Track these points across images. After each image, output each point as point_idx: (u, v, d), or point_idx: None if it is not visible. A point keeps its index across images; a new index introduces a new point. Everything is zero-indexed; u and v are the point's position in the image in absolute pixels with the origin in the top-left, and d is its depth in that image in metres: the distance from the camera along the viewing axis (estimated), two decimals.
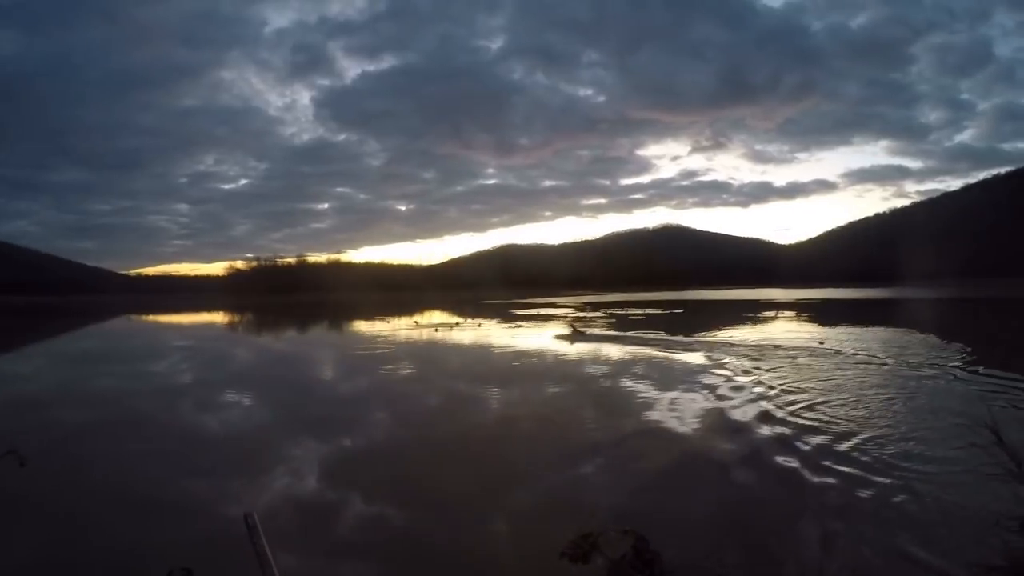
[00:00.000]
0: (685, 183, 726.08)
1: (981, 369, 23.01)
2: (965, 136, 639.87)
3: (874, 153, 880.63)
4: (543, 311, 77.26)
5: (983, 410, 8.16)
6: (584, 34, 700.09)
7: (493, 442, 14.41)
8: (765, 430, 14.28)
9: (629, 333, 41.23)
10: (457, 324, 56.14)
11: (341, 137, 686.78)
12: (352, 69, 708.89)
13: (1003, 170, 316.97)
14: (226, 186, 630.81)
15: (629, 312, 70.61)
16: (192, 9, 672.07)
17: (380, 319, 65.89)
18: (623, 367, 25.59)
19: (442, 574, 8.05)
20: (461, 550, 8.62)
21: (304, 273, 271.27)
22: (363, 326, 56.67)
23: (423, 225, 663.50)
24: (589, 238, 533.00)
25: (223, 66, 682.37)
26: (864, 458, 11.82)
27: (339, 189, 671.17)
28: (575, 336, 39.37)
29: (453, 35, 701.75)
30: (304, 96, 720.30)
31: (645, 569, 2.68)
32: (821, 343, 32.53)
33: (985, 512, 8.50)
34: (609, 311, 73.90)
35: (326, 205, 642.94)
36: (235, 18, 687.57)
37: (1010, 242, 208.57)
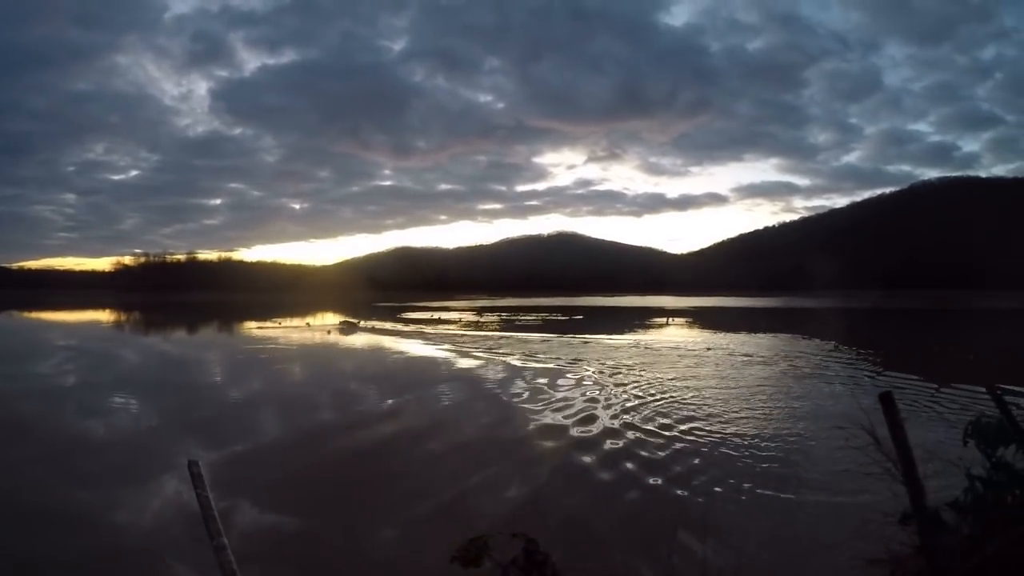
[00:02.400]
0: (580, 192, 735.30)
1: (860, 371, 24.02)
2: (852, 157, 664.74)
3: (764, 170, 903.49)
4: (437, 315, 77.06)
5: (860, 411, 8.53)
6: (487, 41, 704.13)
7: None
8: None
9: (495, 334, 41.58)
10: (349, 326, 55.77)
11: (237, 131, 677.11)
12: (252, 62, 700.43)
13: (887, 190, 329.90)
14: (116, 177, 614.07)
15: (519, 317, 70.94)
16: None
17: (270, 320, 65.01)
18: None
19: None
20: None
21: (194, 271, 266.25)
22: (252, 327, 55.84)
23: (318, 224, 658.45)
24: (484, 243, 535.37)
25: (119, 50, 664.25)
26: (744, 459, 12.23)
27: (232, 185, 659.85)
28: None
29: (356, 33, 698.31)
30: (201, 87, 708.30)
31: (535, 571, 2.80)
32: (708, 349, 33.25)
33: (864, 509, 8.85)
34: (503, 315, 74.20)
35: (219, 201, 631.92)
36: (135, 1, 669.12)
37: (891, 256, 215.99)
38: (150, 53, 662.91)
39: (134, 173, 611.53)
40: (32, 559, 8.35)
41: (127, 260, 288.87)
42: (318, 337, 44.70)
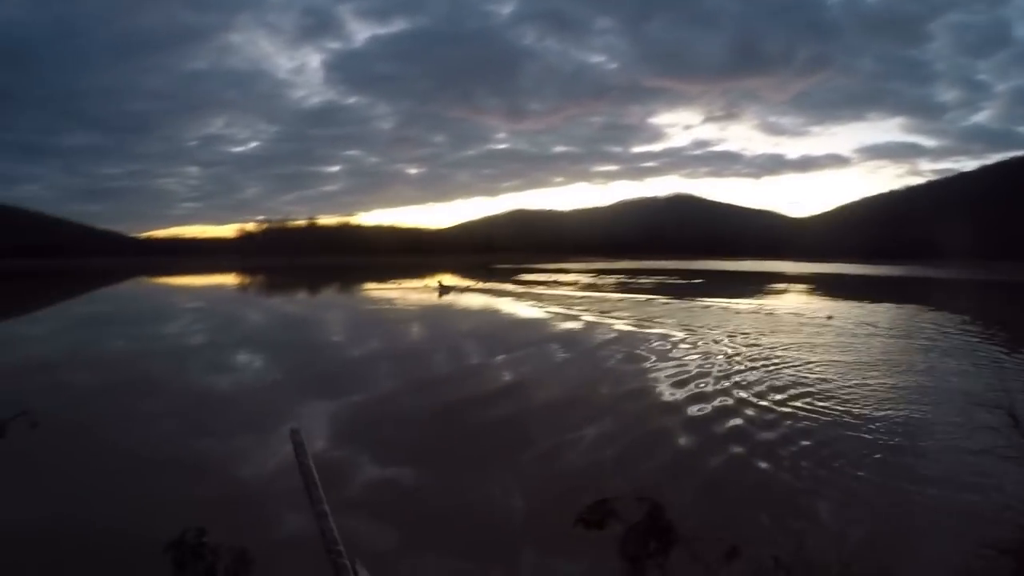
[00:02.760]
0: (697, 153, 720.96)
1: (991, 346, 23.11)
2: (981, 117, 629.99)
3: (888, 130, 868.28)
4: (553, 277, 77.12)
5: (999, 390, 8.14)
6: (596, 0, 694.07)
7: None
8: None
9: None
10: (466, 287, 56.25)
11: (351, 100, 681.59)
12: (362, 32, 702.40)
13: (1020, 153, 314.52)
14: (236, 149, 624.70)
15: (635, 280, 70.61)
16: None
17: (388, 282, 65.91)
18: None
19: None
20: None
21: (315, 236, 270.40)
22: (368, 288, 56.64)
23: (434, 189, 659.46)
24: (600, 205, 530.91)
25: (231, 29, 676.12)
26: (865, 436, 11.95)
27: (349, 152, 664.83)
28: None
29: None
30: (314, 59, 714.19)
31: (660, 536, 2.70)
32: (829, 317, 32.53)
33: (999, 494, 8.50)
34: (619, 278, 73.91)
35: (336, 168, 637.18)
36: None
37: None
38: (262, 30, 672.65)
39: (254, 144, 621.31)
40: (155, 503, 8.58)
41: (250, 227, 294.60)
42: (427, 297, 45.18)
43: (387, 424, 12.88)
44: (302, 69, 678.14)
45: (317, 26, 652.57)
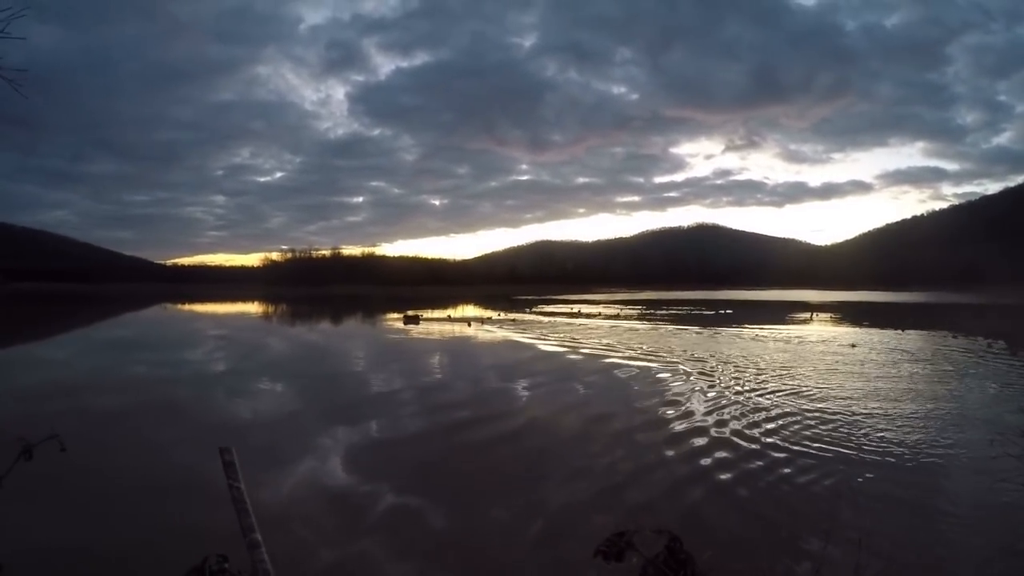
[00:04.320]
0: (719, 182, 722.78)
1: (1018, 371, 22.98)
2: (1003, 139, 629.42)
3: (910, 154, 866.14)
4: (578, 308, 77.23)
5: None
6: (616, 32, 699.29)
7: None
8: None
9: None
10: (488, 319, 56.37)
11: (375, 132, 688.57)
12: (386, 65, 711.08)
13: None
14: (262, 179, 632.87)
15: (657, 311, 70.65)
16: (227, 6, 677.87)
17: (410, 312, 66.07)
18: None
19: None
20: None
21: (338, 265, 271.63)
22: (390, 319, 56.65)
23: (457, 220, 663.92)
24: (623, 235, 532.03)
25: (258, 62, 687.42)
26: (897, 469, 11.86)
27: (373, 183, 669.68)
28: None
29: (485, 32, 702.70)
30: (339, 91, 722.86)
31: (679, 569, 2.70)
32: (853, 346, 32.37)
33: (1015, 522, 8.46)
34: (642, 309, 74.03)
35: (360, 199, 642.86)
36: (270, 15, 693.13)
37: None
38: (288, 63, 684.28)
39: (279, 175, 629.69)
40: (177, 529, 8.64)
41: (274, 256, 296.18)
42: (451, 329, 45.26)
43: (398, 456, 12.92)
44: (327, 101, 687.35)
45: (342, 59, 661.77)
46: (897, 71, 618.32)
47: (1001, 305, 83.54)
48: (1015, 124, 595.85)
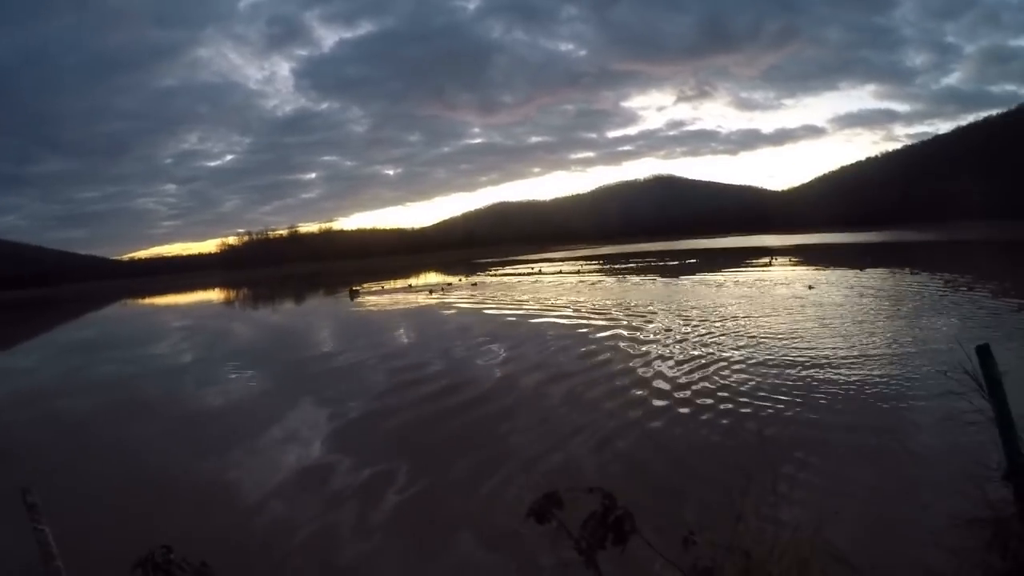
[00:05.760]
0: (673, 133, 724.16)
1: (969, 306, 23.32)
2: (952, 79, 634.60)
3: (861, 98, 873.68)
4: (538, 267, 77.20)
5: (965, 353, 8.19)
6: None
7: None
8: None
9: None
10: (448, 285, 56.32)
11: (323, 106, 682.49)
12: (329, 37, 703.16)
13: (993, 112, 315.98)
14: (212, 163, 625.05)
15: (618, 265, 70.70)
16: None
17: (370, 284, 65.85)
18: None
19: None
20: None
21: (296, 244, 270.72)
22: (348, 294, 56.25)
23: (412, 188, 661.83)
24: (580, 192, 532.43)
25: (199, 44, 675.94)
26: (838, 404, 12.11)
27: (325, 158, 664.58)
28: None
29: None
30: (283, 67, 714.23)
31: (614, 527, 2.78)
32: (810, 287, 32.69)
33: (966, 462, 8.58)
34: (603, 264, 74.07)
35: (313, 175, 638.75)
36: None
37: (1002, 184, 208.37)
38: (230, 42, 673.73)
39: (229, 157, 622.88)
40: (155, 532, 8.62)
41: (231, 240, 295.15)
42: (410, 299, 45.08)
43: (360, 430, 13.04)
44: (272, 78, 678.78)
45: (284, 34, 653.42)
46: (845, 16, 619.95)
47: (958, 241, 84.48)
48: (964, 64, 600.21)
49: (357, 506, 9.28)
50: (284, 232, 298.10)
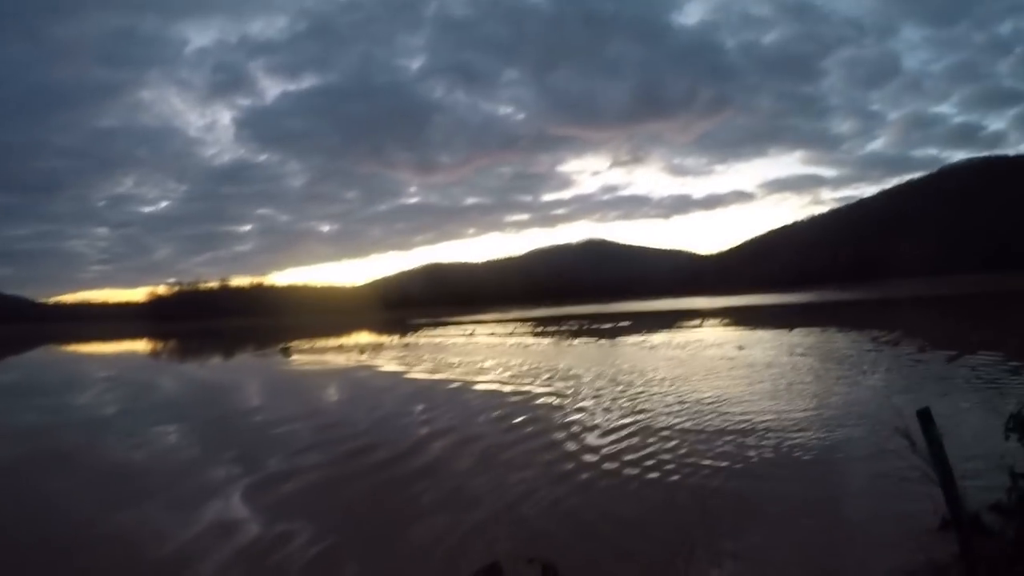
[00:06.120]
0: (606, 197, 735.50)
1: (896, 364, 23.83)
2: (877, 144, 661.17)
3: (790, 163, 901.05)
4: (470, 328, 77.18)
5: (896, 411, 8.25)
6: (503, 53, 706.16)
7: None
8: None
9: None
10: (380, 346, 55.83)
11: (262, 157, 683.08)
12: (273, 89, 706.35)
13: (915, 175, 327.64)
14: (146, 209, 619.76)
15: (561, 326, 70.99)
16: (113, 27, 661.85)
17: (302, 342, 65.21)
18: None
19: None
20: None
21: (227, 297, 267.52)
22: (276, 352, 55.42)
23: (347, 245, 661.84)
24: (514, 254, 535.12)
25: (143, 86, 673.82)
26: (773, 465, 12.10)
27: (261, 211, 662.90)
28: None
29: (373, 54, 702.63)
30: (225, 116, 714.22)
31: None
32: (741, 348, 33.00)
33: (902, 515, 8.64)
34: (536, 327, 74.46)
35: (248, 227, 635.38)
36: (156, 37, 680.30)
37: (925, 242, 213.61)
38: (173, 87, 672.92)
39: (164, 204, 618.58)
40: None
41: (161, 290, 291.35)
42: (342, 360, 44.57)
43: (275, 488, 12.72)
44: (213, 126, 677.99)
45: (228, 82, 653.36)
46: (775, 85, 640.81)
47: (884, 299, 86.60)
48: (888, 130, 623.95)
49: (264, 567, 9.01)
50: (216, 284, 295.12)
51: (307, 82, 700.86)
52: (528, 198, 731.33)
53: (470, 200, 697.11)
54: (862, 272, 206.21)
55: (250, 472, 14.10)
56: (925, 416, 5.58)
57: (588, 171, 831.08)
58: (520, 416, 18.82)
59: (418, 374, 31.45)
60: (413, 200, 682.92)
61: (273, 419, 21.06)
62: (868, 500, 9.83)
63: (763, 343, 35.79)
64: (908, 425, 6.60)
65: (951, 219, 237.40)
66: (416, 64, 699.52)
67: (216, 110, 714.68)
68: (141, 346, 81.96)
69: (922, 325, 45.77)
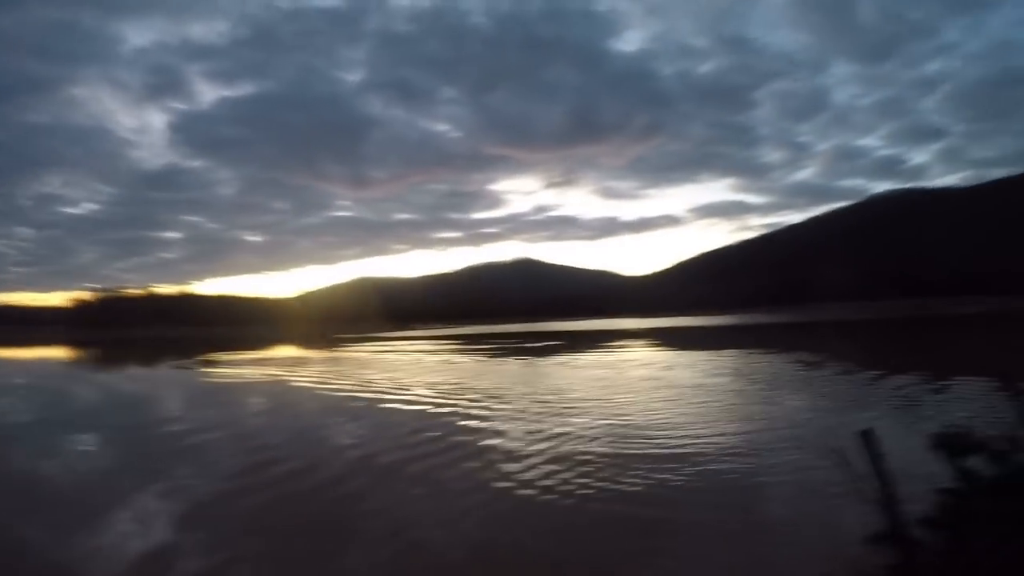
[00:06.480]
0: (537, 218, 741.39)
1: (820, 384, 24.24)
2: (804, 174, 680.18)
3: (719, 190, 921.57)
4: (397, 344, 76.79)
5: (824, 428, 8.23)
6: (442, 71, 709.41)
7: None
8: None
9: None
10: (305, 360, 55.21)
11: (194, 164, 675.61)
12: (209, 94, 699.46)
13: (840, 204, 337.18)
14: (72, 210, 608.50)
15: (490, 344, 71.00)
16: (51, 19, 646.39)
17: (226, 354, 64.30)
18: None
19: None
20: None
21: (151, 305, 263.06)
22: (205, 361, 54.55)
23: (275, 257, 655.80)
24: (444, 271, 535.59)
25: (76, 82, 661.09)
26: (699, 484, 12.03)
27: (190, 218, 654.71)
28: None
29: (313, 65, 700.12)
30: (158, 119, 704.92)
31: None
32: (669, 369, 33.16)
33: (832, 530, 8.66)
34: (475, 344, 74.27)
35: (176, 234, 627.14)
36: (94, 33, 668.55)
37: (846, 269, 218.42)
38: (108, 86, 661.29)
39: (91, 206, 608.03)
40: None
41: (83, 295, 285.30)
42: (262, 372, 43.97)
43: (195, 508, 12.36)
44: (146, 129, 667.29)
45: (164, 85, 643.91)
46: (708, 114, 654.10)
47: (808, 322, 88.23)
48: (815, 161, 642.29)
49: None
50: (140, 292, 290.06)
51: (244, 89, 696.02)
52: (460, 216, 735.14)
53: (401, 216, 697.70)
54: (787, 296, 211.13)
55: (152, 483, 13.87)
56: (868, 436, 5.65)
57: (520, 191, 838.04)
58: (435, 433, 18.48)
59: (340, 390, 30.99)
60: (344, 213, 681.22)
61: (183, 430, 20.64)
62: (796, 517, 9.88)
63: (690, 364, 36.04)
64: (839, 444, 6.59)
65: (874, 247, 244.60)
66: (355, 78, 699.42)
67: (150, 112, 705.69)
68: (59, 353, 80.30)
69: (846, 348, 46.88)
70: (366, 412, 23.59)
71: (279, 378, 37.99)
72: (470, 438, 17.79)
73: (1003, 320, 78.36)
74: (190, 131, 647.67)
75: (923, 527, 6.43)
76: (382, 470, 14.49)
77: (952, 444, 6.76)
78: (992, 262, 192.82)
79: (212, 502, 12.37)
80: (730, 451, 14.44)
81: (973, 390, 21.06)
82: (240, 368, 47.44)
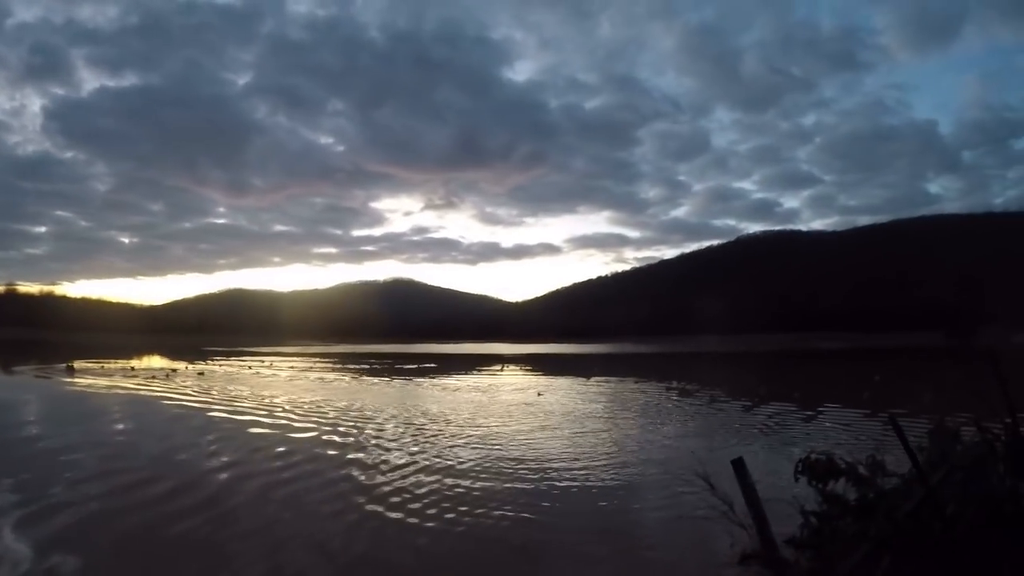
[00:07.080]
0: (416, 238, 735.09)
1: (688, 412, 24.87)
2: (680, 212, 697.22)
3: (597, 222, 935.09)
4: (268, 360, 75.51)
5: (689, 454, 8.36)
6: (331, 82, 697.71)
7: None
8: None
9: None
10: (173, 372, 53.70)
11: (68, 154, 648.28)
12: (91, 81, 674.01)
13: (714, 242, 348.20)
14: None
15: (364, 364, 70.26)
16: None
17: (90, 361, 62.21)
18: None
19: None
20: None
21: (13, 304, 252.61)
22: (67, 369, 52.61)
23: (147, 261, 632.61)
24: (319, 287, 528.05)
25: None
26: (568, 511, 12.07)
27: (59, 212, 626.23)
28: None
29: (201, 62, 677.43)
30: (35, 103, 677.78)
31: None
32: (540, 394, 33.33)
33: (702, 553, 8.78)
34: (349, 363, 73.44)
35: (43, 228, 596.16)
36: None
37: (717, 303, 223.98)
38: None
39: None
40: None
41: None
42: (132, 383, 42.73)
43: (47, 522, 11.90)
44: (20, 112, 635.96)
45: (44, 67, 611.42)
46: (591, 148, 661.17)
47: (677, 353, 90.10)
48: (691, 200, 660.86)
49: None
50: (1, 289, 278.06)
51: (128, 80, 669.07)
52: (338, 231, 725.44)
53: (279, 227, 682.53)
54: (661, 327, 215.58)
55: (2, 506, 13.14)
56: (738, 464, 5.83)
57: (401, 210, 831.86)
58: (302, 455, 18.04)
59: (207, 405, 30.22)
60: (220, 221, 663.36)
61: (42, 448, 19.72)
62: (667, 540, 9.99)
63: (563, 390, 36.44)
64: (707, 469, 6.72)
65: (745, 283, 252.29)
66: (242, 80, 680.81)
67: (26, 94, 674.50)
68: None
69: (717, 378, 48.08)
70: (233, 429, 23.05)
71: (147, 391, 36.81)
72: (340, 458, 17.55)
73: (865, 355, 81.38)
74: (67, 119, 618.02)
75: (790, 548, 6.61)
76: (247, 490, 14.10)
77: (816, 469, 7.00)
78: (856, 301, 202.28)
79: (72, 525, 11.79)
80: (600, 475, 14.60)
81: (838, 418, 22.07)
82: (106, 378, 45.84)
